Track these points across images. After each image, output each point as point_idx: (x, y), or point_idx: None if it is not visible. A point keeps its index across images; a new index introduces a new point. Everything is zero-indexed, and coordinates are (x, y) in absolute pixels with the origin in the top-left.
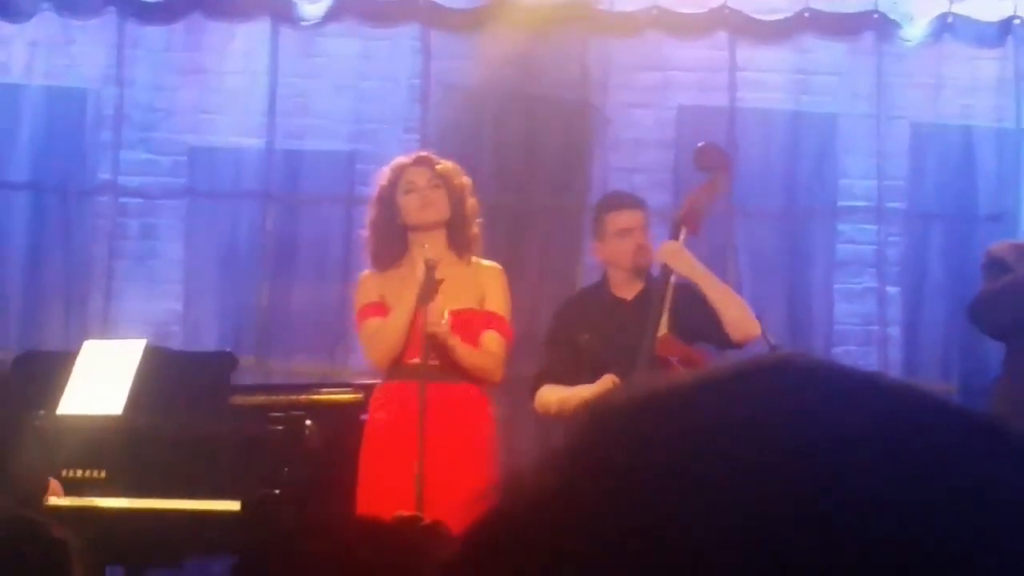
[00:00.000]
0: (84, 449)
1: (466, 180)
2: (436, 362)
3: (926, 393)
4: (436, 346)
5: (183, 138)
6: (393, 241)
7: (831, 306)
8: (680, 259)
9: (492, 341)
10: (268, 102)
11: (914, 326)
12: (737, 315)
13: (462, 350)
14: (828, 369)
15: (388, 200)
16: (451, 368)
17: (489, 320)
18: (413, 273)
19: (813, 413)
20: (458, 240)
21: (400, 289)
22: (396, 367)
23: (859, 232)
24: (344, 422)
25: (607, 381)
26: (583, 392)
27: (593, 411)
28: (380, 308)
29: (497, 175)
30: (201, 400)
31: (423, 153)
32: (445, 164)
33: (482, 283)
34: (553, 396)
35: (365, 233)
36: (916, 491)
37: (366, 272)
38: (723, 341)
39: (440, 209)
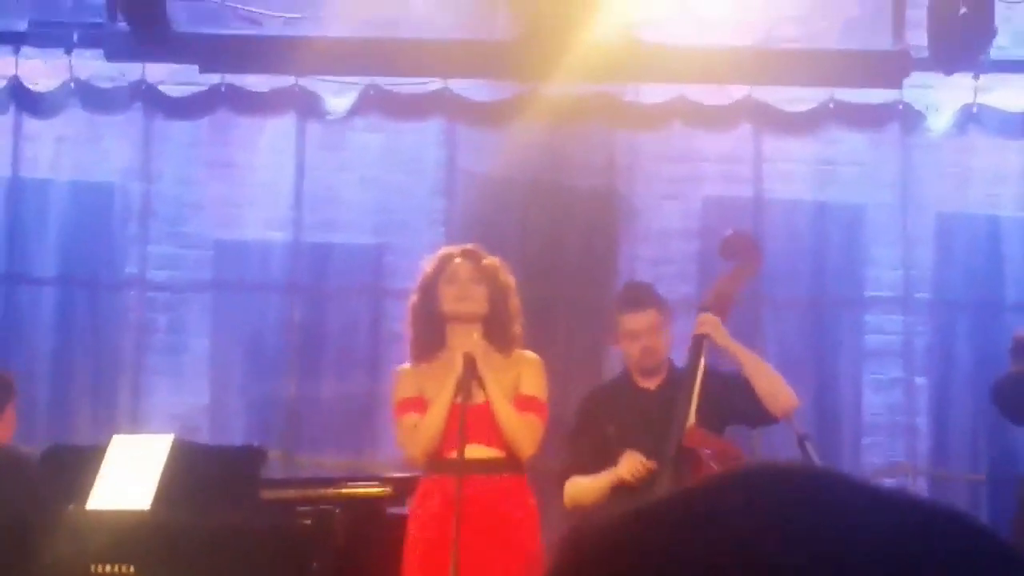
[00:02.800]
0: (113, 544)
1: (511, 279)
2: (498, 452)
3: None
4: (471, 371)
5: (210, 232)
6: (431, 331)
7: (859, 396)
8: (718, 332)
9: (529, 419)
10: (295, 195)
11: (942, 416)
12: (775, 389)
13: (494, 388)
14: (787, 479)
15: (430, 288)
16: (488, 460)
17: (524, 403)
18: (451, 367)
19: (774, 531)
20: (498, 336)
21: (436, 382)
22: (435, 461)
23: (886, 322)
24: (373, 516)
25: (631, 458)
26: (608, 475)
27: (568, 539)
28: (418, 403)
29: (523, 266)
30: (230, 494)
31: (470, 247)
32: (491, 260)
33: (518, 371)
34: (579, 486)
35: (406, 322)
36: None
37: (404, 366)
38: (762, 417)
39: (478, 303)
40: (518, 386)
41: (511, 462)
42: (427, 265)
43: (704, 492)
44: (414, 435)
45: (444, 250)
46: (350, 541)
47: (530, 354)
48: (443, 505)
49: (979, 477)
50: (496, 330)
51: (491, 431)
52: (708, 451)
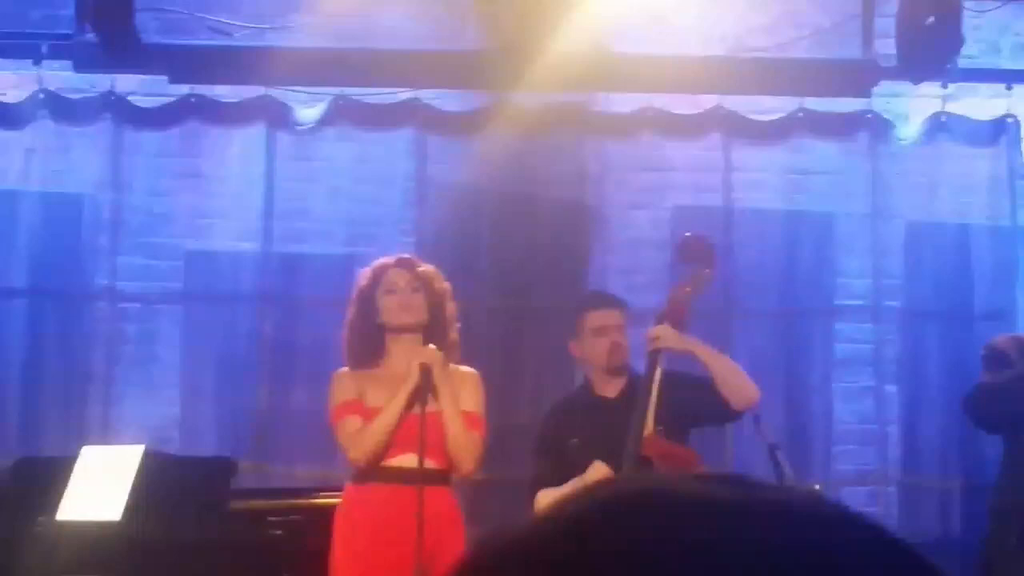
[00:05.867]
0: (83, 555)
1: (446, 285)
2: (433, 463)
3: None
4: (428, 381)
5: (180, 242)
6: (370, 341)
7: (830, 405)
8: (671, 338)
9: (473, 435)
10: (264, 206)
11: (913, 424)
12: (736, 382)
13: (448, 399)
14: (661, 494)
15: (368, 299)
16: (436, 472)
17: (465, 420)
18: (389, 373)
19: (644, 541)
20: (437, 344)
21: (377, 389)
22: (378, 469)
23: (856, 331)
24: None
25: (598, 468)
26: (575, 484)
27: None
28: (358, 406)
29: (494, 276)
30: (200, 505)
31: (405, 255)
32: (426, 268)
33: (458, 387)
34: (550, 499)
35: (343, 331)
36: None
37: (342, 370)
38: (723, 414)
39: (418, 312)
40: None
41: (445, 475)
42: (362, 278)
43: (581, 514)
44: (359, 439)
45: (378, 261)
46: (320, 552)
47: (468, 369)
48: (373, 513)
49: (950, 485)
50: (435, 338)
51: (432, 442)
52: (665, 459)
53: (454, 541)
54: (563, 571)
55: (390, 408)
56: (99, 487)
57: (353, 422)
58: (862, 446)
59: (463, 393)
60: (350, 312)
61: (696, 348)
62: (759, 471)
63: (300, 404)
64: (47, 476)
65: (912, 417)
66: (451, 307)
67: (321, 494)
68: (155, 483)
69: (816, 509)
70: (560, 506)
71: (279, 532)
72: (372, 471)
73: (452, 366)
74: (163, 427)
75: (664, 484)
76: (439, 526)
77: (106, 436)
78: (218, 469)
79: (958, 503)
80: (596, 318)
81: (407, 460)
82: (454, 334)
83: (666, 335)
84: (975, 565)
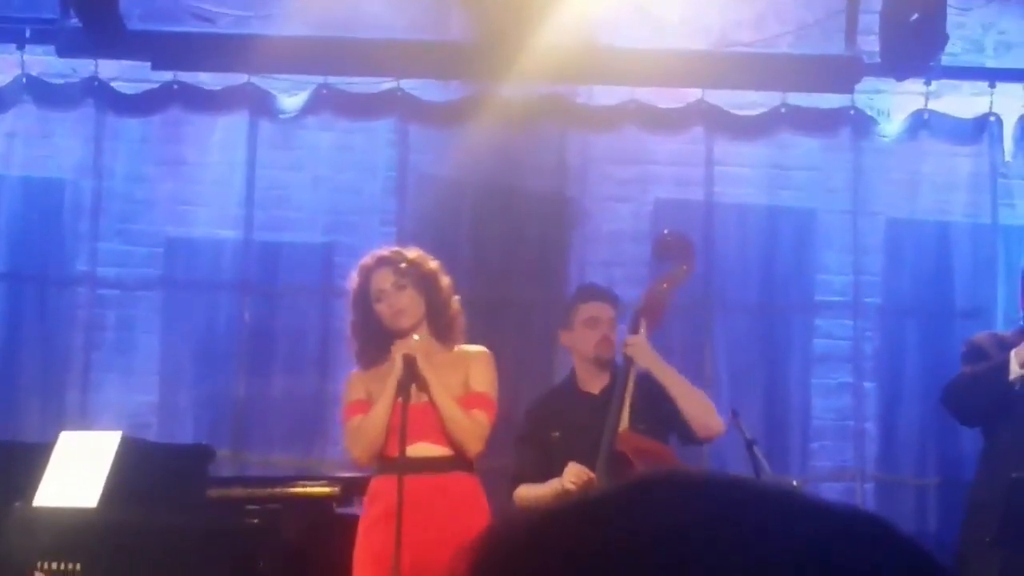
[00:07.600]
0: (60, 542)
1: (433, 265)
2: (445, 450)
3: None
4: (414, 373)
5: (161, 229)
6: (374, 341)
7: (808, 401)
8: (643, 353)
9: (475, 417)
10: (246, 194)
11: (890, 421)
12: (700, 412)
13: (437, 387)
14: (683, 487)
15: (362, 303)
16: (435, 459)
17: (472, 400)
18: (395, 368)
19: (664, 539)
20: (440, 326)
21: (383, 385)
22: (381, 461)
23: (836, 327)
24: (321, 516)
25: (574, 468)
26: (554, 484)
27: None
28: (365, 406)
29: (474, 268)
30: (177, 492)
31: (384, 252)
32: (409, 257)
33: (467, 367)
34: (527, 496)
35: (348, 334)
36: None
37: (353, 370)
38: (688, 436)
39: (411, 311)
40: (467, 382)
41: (459, 460)
42: (351, 282)
43: (603, 499)
44: (355, 437)
45: (362, 263)
46: (297, 541)
47: (477, 349)
48: (389, 504)
49: (927, 482)
50: (436, 321)
51: (437, 429)
52: (640, 454)
53: (473, 524)
54: (579, 560)
55: (379, 403)
56: (76, 473)
57: (356, 422)
58: (839, 442)
59: (472, 373)
60: (350, 316)
61: (661, 372)
62: (736, 466)
63: (279, 392)
64: (24, 462)
65: (890, 414)
66: (445, 283)
67: (299, 483)
68: (132, 470)
69: (799, 498)
70: (569, 500)
71: (256, 521)
72: (382, 463)
73: (459, 347)
74: (141, 414)
75: (673, 475)
76: (455, 510)
77: (84, 422)
78: (196, 457)
79: (934, 500)
80: (589, 310)
81: (414, 450)
82: (455, 307)
83: (639, 348)
84: (950, 561)
